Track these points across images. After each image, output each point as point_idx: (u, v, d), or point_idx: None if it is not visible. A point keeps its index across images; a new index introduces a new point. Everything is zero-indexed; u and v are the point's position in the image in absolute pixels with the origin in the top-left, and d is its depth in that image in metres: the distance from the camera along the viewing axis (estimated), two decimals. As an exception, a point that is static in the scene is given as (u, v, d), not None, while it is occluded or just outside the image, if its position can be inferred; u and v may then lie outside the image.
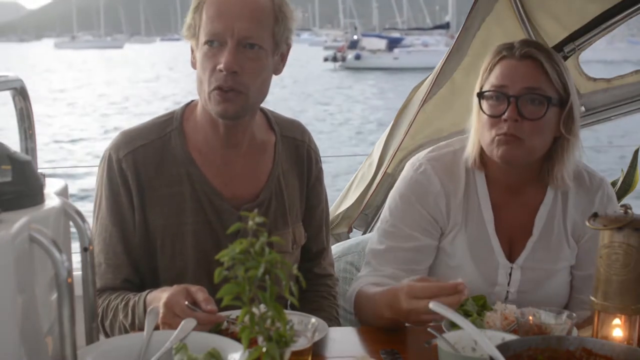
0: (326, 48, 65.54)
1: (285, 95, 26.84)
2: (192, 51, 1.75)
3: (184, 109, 1.84)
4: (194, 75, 1.75)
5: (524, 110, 1.73)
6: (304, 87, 31.90)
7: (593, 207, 1.87)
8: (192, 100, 1.87)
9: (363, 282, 1.82)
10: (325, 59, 49.41)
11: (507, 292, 1.86)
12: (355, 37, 53.54)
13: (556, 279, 1.87)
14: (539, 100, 1.74)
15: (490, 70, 1.80)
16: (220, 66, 1.64)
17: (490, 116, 1.77)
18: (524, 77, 1.74)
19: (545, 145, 1.79)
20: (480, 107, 1.79)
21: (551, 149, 1.82)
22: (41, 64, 58.45)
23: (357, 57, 45.42)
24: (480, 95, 1.80)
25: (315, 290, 1.99)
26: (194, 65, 1.74)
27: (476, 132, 1.83)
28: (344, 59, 46.64)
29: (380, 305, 1.62)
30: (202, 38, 1.68)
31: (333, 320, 1.94)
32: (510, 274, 1.85)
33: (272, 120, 1.92)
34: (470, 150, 1.85)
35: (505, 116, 1.73)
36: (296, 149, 1.93)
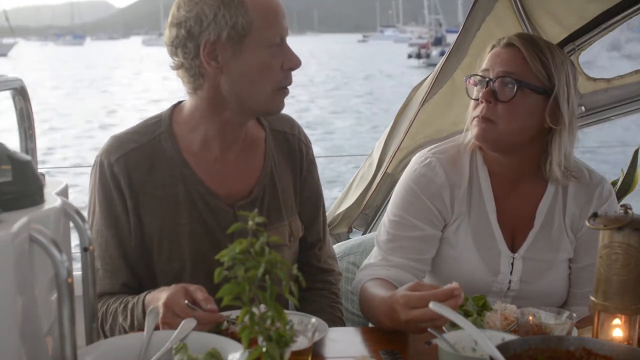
0: (411, 45, 63.31)
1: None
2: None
3: (171, 110, 1.83)
4: None
5: (497, 93, 1.80)
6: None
7: (592, 202, 1.90)
8: (180, 102, 1.85)
9: (371, 273, 1.83)
10: (409, 56, 47.82)
11: (510, 281, 1.89)
12: (439, 33, 51.98)
13: (557, 271, 1.91)
14: (511, 84, 1.79)
15: (483, 60, 1.89)
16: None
17: (473, 99, 1.87)
18: (502, 63, 1.82)
19: (523, 131, 1.82)
20: (467, 92, 1.89)
21: (546, 141, 1.85)
22: (104, 62, 57.94)
23: (442, 54, 44.39)
24: (467, 80, 1.89)
25: (316, 289, 1.97)
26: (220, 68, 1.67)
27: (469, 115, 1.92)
28: (428, 56, 45.34)
29: (379, 315, 1.64)
30: None
31: (337, 322, 1.92)
32: (512, 264, 1.89)
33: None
34: (469, 135, 1.92)
35: (480, 98, 1.82)
36: (287, 142, 1.93)
